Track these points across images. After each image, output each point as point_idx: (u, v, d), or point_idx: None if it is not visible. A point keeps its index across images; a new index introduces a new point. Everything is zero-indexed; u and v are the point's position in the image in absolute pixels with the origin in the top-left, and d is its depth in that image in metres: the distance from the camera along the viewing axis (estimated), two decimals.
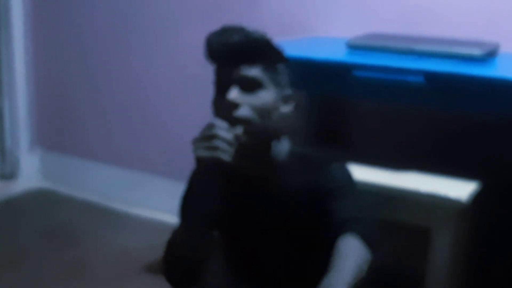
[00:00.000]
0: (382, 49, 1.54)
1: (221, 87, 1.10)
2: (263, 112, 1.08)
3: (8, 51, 2.52)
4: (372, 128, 1.87)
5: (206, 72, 2.47)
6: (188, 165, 2.60)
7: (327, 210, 1.11)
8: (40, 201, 2.49)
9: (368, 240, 1.06)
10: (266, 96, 1.08)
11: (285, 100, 1.13)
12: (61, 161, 2.60)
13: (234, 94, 1.06)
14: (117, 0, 2.32)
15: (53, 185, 2.58)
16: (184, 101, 2.24)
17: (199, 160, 1.04)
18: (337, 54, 1.57)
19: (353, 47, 1.59)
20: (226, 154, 1.01)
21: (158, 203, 2.33)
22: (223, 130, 1.02)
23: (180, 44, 2.21)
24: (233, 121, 1.05)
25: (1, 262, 1.95)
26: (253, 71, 1.08)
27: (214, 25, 2.46)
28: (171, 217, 2.27)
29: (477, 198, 1.44)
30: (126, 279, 1.87)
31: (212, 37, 1.10)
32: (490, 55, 1.50)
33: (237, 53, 1.08)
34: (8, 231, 2.19)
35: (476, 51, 1.46)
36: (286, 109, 1.13)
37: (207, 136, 1.03)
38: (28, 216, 2.34)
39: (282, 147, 1.17)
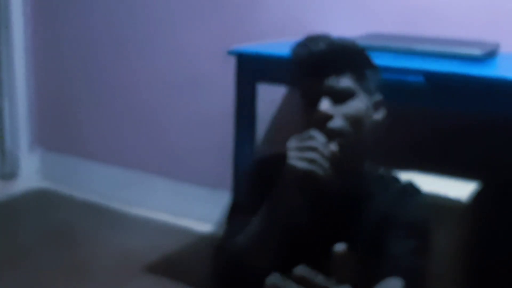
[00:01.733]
0: (382, 49, 1.54)
1: (310, 99, 1.06)
2: (357, 121, 1.04)
3: (8, 52, 2.52)
4: None
5: (206, 73, 2.48)
6: (188, 165, 2.60)
7: (387, 248, 1.05)
8: (40, 201, 2.49)
9: None
10: (358, 105, 1.05)
11: (376, 107, 1.10)
12: (61, 161, 2.60)
13: (325, 105, 1.02)
14: (116, 3, 2.32)
15: (53, 185, 2.58)
16: (183, 101, 2.25)
17: (294, 171, 0.99)
18: None
19: None
20: (322, 169, 0.97)
21: (158, 203, 2.33)
22: (323, 144, 0.98)
23: (180, 45, 2.21)
24: (326, 133, 1.01)
25: (1, 262, 1.95)
26: (343, 81, 1.04)
27: (214, 26, 2.46)
28: (171, 217, 2.29)
29: (477, 198, 1.43)
30: (126, 279, 1.87)
31: (297, 48, 1.07)
32: (490, 55, 1.50)
33: (324, 62, 1.05)
34: (8, 231, 2.19)
35: (476, 51, 1.46)
36: (378, 116, 1.10)
37: (306, 147, 0.98)
38: (28, 216, 2.34)
39: (362, 161, 1.12)
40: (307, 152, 0.97)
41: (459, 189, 1.42)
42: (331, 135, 1.01)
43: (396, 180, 1.17)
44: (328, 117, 1.02)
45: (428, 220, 1.13)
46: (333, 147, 0.99)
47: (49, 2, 2.50)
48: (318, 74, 1.05)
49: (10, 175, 2.63)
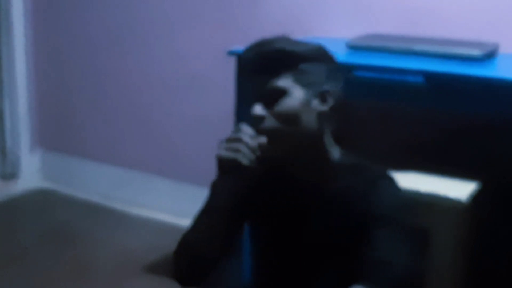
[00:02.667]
0: (382, 50, 1.55)
1: (251, 99, 1.13)
2: (290, 117, 1.09)
3: (9, 52, 2.53)
4: (371, 128, 1.87)
5: (206, 73, 2.48)
6: (188, 165, 2.61)
7: (365, 237, 1.10)
8: (41, 201, 2.50)
9: None
10: (290, 102, 1.10)
11: (323, 97, 1.13)
12: (62, 161, 2.60)
13: (257, 109, 1.10)
14: (116, 3, 2.32)
15: (54, 185, 2.59)
16: (183, 102, 2.25)
17: (219, 160, 1.08)
18: (337, 54, 1.57)
19: (353, 47, 1.60)
20: (245, 158, 1.06)
21: (158, 203, 2.34)
22: (247, 135, 1.07)
23: (180, 45, 2.21)
24: (260, 133, 1.09)
25: (1, 261, 1.96)
26: (277, 81, 1.10)
27: (214, 27, 2.46)
28: (171, 217, 2.29)
29: (476, 198, 1.43)
30: (126, 279, 1.88)
31: (243, 52, 1.14)
32: (489, 55, 1.51)
33: (254, 66, 1.12)
34: (9, 231, 2.20)
35: (475, 52, 1.47)
36: (323, 107, 1.13)
37: (231, 139, 1.08)
38: (28, 216, 2.35)
39: (335, 151, 1.18)
40: (233, 143, 1.07)
41: (459, 189, 1.42)
42: (264, 134, 1.09)
43: (369, 168, 1.19)
44: (261, 119, 1.10)
45: (402, 206, 1.16)
46: (262, 139, 1.08)
47: (50, 4, 2.50)
48: (251, 77, 1.13)
49: (11, 175, 2.63)
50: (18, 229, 2.22)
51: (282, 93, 1.10)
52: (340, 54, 1.57)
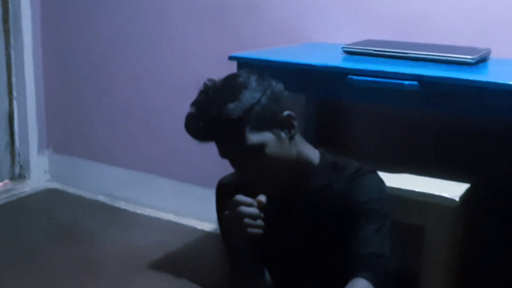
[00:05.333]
0: (378, 55, 1.56)
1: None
2: (270, 160, 1.11)
3: (17, 56, 2.53)
4: (367, 130, 1.88)
5: (211, 75, 2.49)
6: (192, 167, 2.61)
7: (353, 232, 1.13)
8: (49, 201, 2.50)
9: (378, 285, 1.09)
10: (270, 150, 1.11)
11: (285, 121, 1.15)
12: (69, 163, 2.61)
13: (236, 171, 1.13)
14: (124, 6, 2.33)
15: (61, 185, 2.60)
16: (187, 105, 2.24)
17: (237, 239, 1.11)
18: (334, 59, 1.58)
19: (349, 52, 1.61)
20: (256, 226, 1.08)
21: (162, 203, 2.35)
22: (248, 205, 1.08)
23: (184, 50, 2.22)
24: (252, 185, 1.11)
25: (11, 259, 1.98)
26: (249, 141, 1.10)
27: (217, 32, 2.46)
28: (175, 217, 2.31)
29: (468, 198, 1.45)
30: (132, 276, 1.88)
31: (189, 122, 1.14)
32: (481, 60, 1.52)
33: (212, 138, 1.13)
34: (18, 230, 2.21)
35: (468, 57, 1.47)
36: (291, 131, 1.15)
37: (233, 217, 1.08)
38: (37, 215, 2.35)
39: (313, 154, 1.20)
40: (240, 221, 1.07)
41: (452, 189, 1.43)
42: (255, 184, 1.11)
43: (350, 164, 1.22)
44: (242, 175, 1.12)
45: (384, 199, 1.18)
46: (262, 198, 1.09)
47: (58, 8, 2.51)
48: (218, 144, 1.13)
49: (20, 176, 2.64)
50: (27, 228, 2.22)
51: (260, 146, 1.10)
52: (337, 59, 1.58)
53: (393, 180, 1.45)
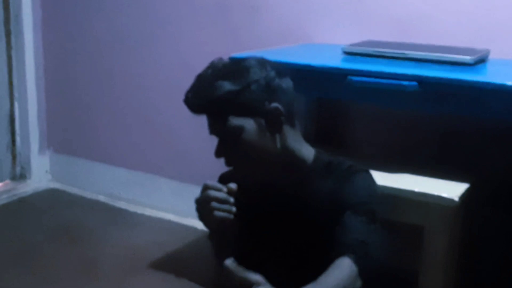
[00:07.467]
0: (377, 56, 1.56)
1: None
2: (251, 146, 1.14)
3: (19, 57, 2.55)
4: (367, 131, 1.89)
5: None
6: (191, 167, 2.61)
7: (341, 223, 1.14)
8: (50, 201, 2.51)
9: (362, 267, 1.10)
10: (247, 136, 1.14)
11: (273, 114, 1.16)
12: (70, 163, 2.62)
13: (217, 152, 1.16)
14: (125, 6, 2.34)
15: (62, 185, 2.61)
16: None
17: (206, 224, 1.15)
18: (334, 60, 1.58)
19: (349, 53, 1.61)
20: (225, 210, 1.10)
21: (162, 203, 2.36)
22: (214, 191, 1.11)
23: (185, 51, 2.23)
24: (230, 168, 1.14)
25: (12, 259, 1.98)
26: (230, 123, 1.13)
27: (218, 33, 2.47)
28: (175, 217, 2.31)
29: (468, 198, 1.45)
30: (133, 275, 1.89)
31: (187, 96, 1.17)
32: (480, 61, 1.52)
33: (203, 113, 1.16)
34: (19, 230, 2.22)
35: (467, 57, 1.48)
36: (276, 125, 1.16)
37: (202, 201, 1.12)
38: (38, 215, 2.35)
39: (308, 153, 1.21)
40: (204, 204, 1.10)
41: (452, 189, 1.44)
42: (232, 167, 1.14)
43: (343, 164, 1.23)
44: (225, 158, 1.15)
45: (376, 197, 1.20)
46: (232, 185, 1.11)
47: (59, 9, 2.52)
48: (208, 119, 1.16)
49: (21, 176, 2.65)
50: (28, 228, 2.23)
51: (238, 129, 1.13)
52: (337, 59, 1.59)
53: (392, 180, 1.46)
